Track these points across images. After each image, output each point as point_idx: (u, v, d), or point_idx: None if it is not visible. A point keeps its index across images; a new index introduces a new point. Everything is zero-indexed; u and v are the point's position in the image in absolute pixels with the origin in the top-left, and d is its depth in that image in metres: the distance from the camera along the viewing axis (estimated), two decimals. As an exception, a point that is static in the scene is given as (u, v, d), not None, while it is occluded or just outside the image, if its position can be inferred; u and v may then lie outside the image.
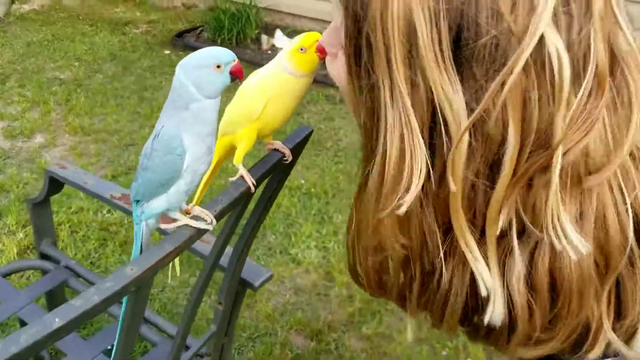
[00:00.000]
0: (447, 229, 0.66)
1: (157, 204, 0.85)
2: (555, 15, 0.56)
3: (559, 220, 0.61)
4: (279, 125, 0.95)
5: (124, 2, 5.57)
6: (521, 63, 0.55)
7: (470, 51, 0.57)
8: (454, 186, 0.61)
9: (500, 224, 0.63)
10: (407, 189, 0.63)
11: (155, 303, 2.27)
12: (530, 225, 0.62)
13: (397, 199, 0.63)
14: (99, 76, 4.15)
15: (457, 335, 0.75)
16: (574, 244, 0.60)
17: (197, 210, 0.89)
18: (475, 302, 0.68)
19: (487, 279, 0.65)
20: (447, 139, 0.60)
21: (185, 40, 4.72)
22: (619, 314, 0.67)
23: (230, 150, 1.00)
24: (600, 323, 0.65)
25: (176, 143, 0.81)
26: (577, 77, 0.57)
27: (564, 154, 0.59)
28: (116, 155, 3.23)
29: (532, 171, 0.60)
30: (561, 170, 0.59)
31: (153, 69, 4.30)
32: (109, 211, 2.75)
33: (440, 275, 0.69)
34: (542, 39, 0.55)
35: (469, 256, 0.65)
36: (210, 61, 0.81)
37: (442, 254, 0.68)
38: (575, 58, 0.57)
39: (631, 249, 0.64)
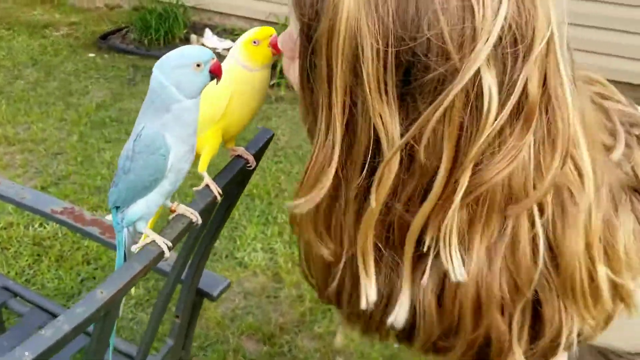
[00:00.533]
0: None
1: (138, 208, 0.83)
2: (502, 54, 0.58)
3: (449, 243, 0.64)
4: (244, 124, 0.92)
5: (41, 4, 5.32)
6: (450, 97, 0.58)
7: (417, 85, 0.59)
8: (374, 203, 0.64)
9: (427, 242, 0.66)
10: (314, 198, 0.67)
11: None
12: (439, 243, 0.65)
13: (301, 201, 0.68)
14: (20, 82, 3.94)
15: (388, 340, 0.78)
16: (455, 267, 0.64)
17: (182, 208, 0.87)
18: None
19: (371, 294, 0.69)
20: (379, 163, 0.63)
21: (110, 42, 4.56)
22: (536, 335, 0.70)
23: None
24: (509, 344, 0.69)
25: (159, 143, 0.79)
26: (509, 113, 0.60)
27: (484, 182, 0.62)
28: (44, 165, 3.09)
29: (454, 196, 0.62)
30: (479, 197, 0.63)
31: (78, 73, 4.13)
32: (41, 225, 2.62)
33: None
34: (480, 77, 0.58)
35: (361, 270, 0.69)
36: (190, 60, 0.79)
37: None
38: (511, 95, 0.60)
39: (548, 272, 0.67)
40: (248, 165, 0.96)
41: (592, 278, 0.68)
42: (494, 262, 0.65)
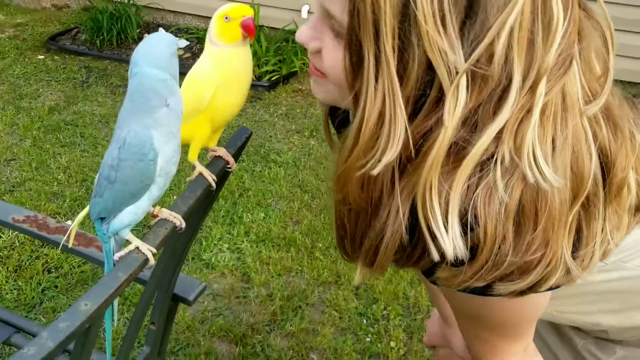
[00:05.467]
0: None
1: (126, 216, 0.79)
2: None
3: (534, 154, 0.64)
4: (232, 112, 0.88)
5: (-17, 5, 5.12)
6: (521, 3, 0.58)
7: (482, 6, 0.59)
8: (451, 129, 0.62)
9: (506, 157, 0.64)
10: (383, 153, 0.64)
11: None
12: (514, 156, 0.64)
13: (370, 160, 0.65)
14: (-34, 87, 3.80)
15: (385, 271, 0.76)
16: (546, 176, 0.64)
17: (166, 212, 0.84)
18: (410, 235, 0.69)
19: (447, 243, 0.65)
20: (437, 97, 0.62)
21: (60, 44, 4.42)
22: (576, 244, 0.70)
23: None
24: (560, 252, 0.68)
25: (147, 148, 0.75)
26: (570, 16, 0.63)
27: (548, 91, 0.63)
28: (-4, 172, 2.98)
29: (527, 107, 0.62)
30: (544, 105, 0.63)
31: (27, 75, 3.99)
32: (-4, 234, 2.53)
33: (386, 221, 0.69)
34: None
35: (431, 219, 0.65)
36: (174, 48, 0.75)
37: (401, 209, 0.68)
38: None
39: (595, 182, 0.69)
40: (228, 166, 0.94)
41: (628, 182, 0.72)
42: (562, 166, 0.65)
